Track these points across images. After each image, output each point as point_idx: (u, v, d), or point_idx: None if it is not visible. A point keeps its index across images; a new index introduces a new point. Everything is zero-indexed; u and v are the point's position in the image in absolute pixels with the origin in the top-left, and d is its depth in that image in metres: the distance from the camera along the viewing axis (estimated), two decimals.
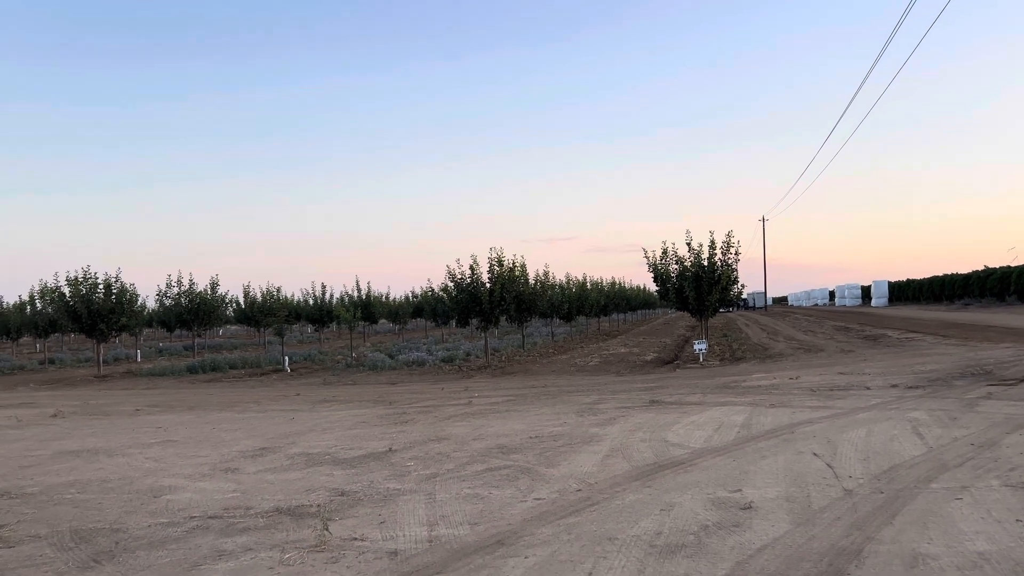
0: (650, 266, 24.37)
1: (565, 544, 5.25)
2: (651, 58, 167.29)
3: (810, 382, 14.44)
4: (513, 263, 24.60)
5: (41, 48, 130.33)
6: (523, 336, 32.17)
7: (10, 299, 40.55)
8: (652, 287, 26.70)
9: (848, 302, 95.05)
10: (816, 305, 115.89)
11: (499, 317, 24.78)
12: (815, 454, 7.82)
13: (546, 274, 30.77)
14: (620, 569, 4.71)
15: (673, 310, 29.32)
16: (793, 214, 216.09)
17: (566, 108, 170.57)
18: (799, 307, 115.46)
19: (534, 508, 6.23)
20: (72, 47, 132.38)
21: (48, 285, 26.53)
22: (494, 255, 23.97)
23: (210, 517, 6.37)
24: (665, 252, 23.86)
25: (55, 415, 14.43)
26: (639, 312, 72.35)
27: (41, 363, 32.50)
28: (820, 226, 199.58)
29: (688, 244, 23.09)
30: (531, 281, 26.80)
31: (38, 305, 33.12)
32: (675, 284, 23.51)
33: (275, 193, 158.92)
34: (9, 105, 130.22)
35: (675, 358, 23.50)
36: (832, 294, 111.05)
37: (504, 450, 8.83)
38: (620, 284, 53.06)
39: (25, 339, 43.66)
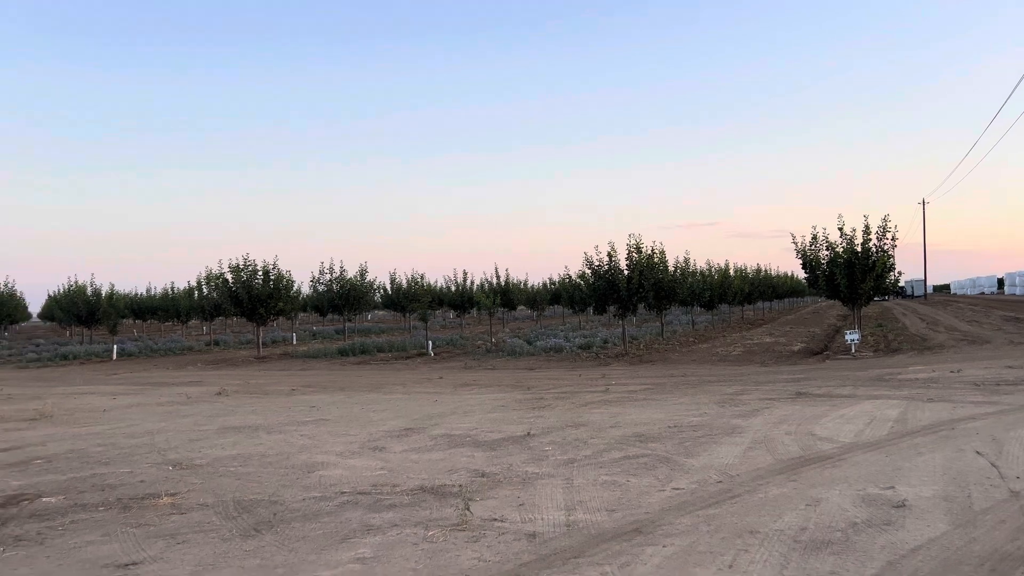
0: (798, 252, 23.41)
1: (704, 535, 5.17)
2: (796, 33, 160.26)
3: (974, 376, 13.52)
4: (652, 250, 24.26)
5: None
6: (662, 324, 31.70)
7: (180, 285, 43.85)
8: (800, 274, 25.60)
9: (1019, 290, 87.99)
10: (983, 293, 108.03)
11: (637, 305, 24.50)
12: (978, 452, 7.34)
13: (687, 261, 30.10)
14: (762, 563, 4.60)
15: (823, 298, 27.96)
16: (957, 197, 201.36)
17: (707, 88, 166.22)
18: (963, 295, 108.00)
19: (672, 498, 6.17)
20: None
21: (213, 272, 28.46)
22: (632, 242, 23.75)
23: (359, 493, 6.68)
24: (815, 238, 22.84)
25: (220, 393, 15.51)
26: (786, 300, 69.68)
27: (207, 344, 34.99)
28: (987, 209, 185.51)
29: (840, 229, 22.01)
30: (671, 268, 26.32)
31: (204, 290, 35.48)
32: (825, 271, 22.47)
33: (418, 179, 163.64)
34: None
35: (824, 348, 22.55)
36: (1001, 281, 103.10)
37: (642, 438, 8.78)
38: (766, 271, 51.28)
39: (193, 322, 47.03)
